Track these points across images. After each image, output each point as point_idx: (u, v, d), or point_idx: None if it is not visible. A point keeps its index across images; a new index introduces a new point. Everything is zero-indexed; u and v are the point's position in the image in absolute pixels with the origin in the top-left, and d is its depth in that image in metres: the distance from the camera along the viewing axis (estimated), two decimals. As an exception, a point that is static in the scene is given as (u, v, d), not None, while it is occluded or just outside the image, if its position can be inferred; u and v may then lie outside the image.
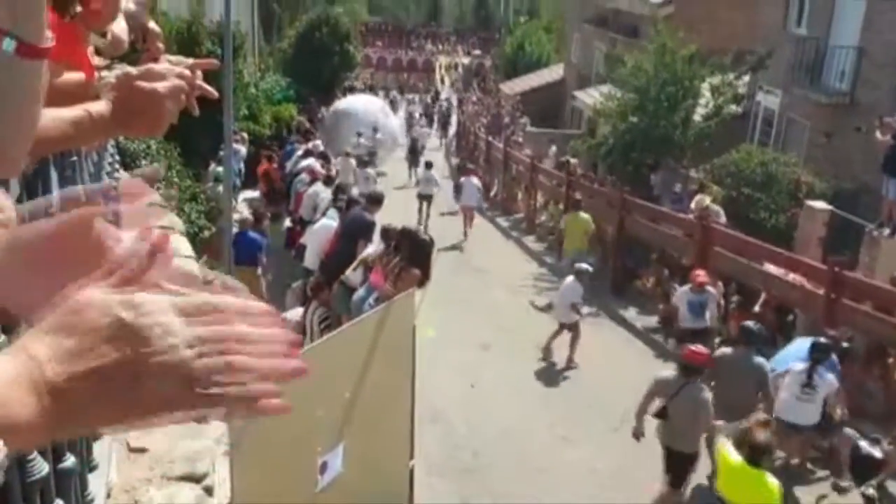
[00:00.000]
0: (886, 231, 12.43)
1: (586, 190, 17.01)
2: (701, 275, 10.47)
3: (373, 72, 49.72)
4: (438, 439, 8.18)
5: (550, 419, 9.22)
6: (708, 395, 7.04)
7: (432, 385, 8.27)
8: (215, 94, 1.67)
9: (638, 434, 7.21)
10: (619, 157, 18.46)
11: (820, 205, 13.84)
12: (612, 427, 8.48)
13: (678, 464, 7.05)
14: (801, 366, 7.69)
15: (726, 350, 8.18)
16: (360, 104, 25.19)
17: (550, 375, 10.35)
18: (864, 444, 7.43)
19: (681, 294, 10.51)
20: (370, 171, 18.78)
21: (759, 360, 7.84)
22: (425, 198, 18.07)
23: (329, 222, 9.81)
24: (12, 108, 0.95)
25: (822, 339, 7.98)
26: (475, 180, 18.09)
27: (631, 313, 12.66)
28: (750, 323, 8.43)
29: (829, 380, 7.69)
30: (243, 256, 10.91)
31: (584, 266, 10.99)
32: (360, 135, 22.32)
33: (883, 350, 9.28)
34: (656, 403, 7.10)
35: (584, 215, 14.61)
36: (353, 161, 18.31)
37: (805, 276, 10.63)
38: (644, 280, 13.83)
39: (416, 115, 37.42)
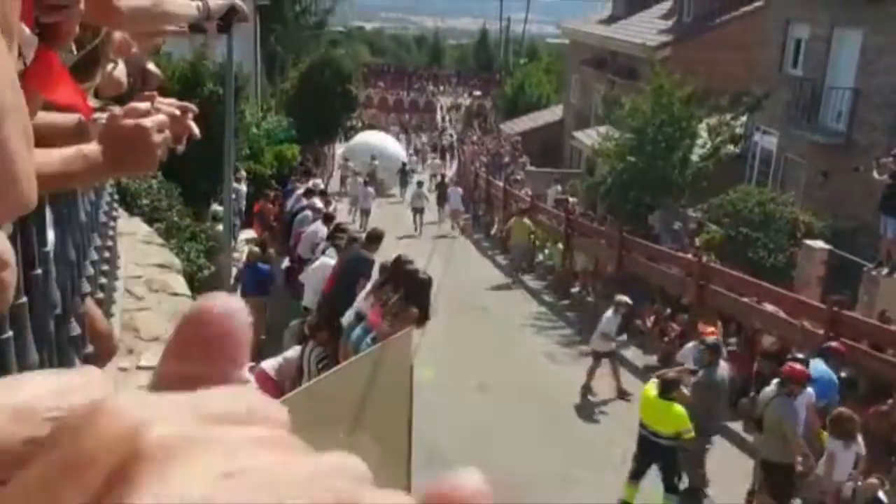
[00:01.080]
0: (885, 270, 12.45)
1: (585, 228, 17.09)
2: (709, 331, 10.34)
3: (374, 112, 50.13)
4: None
5: (551, 460, 9.14)
6: (794, 406, 7.28)
7: (430, 427, 8.22)
8: (198, 134, 1.69)
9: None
10: (618, 196, 18.55)
11: (818, 244, 13.89)
12: (614, 467, 8.41)
13: (775, 476, 7.29)
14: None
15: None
16: (374, 137, 32.54)
17: (550, 417, 10.28)
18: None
19: (687, 351, 10.02)
20: (370, 189, 23.14)
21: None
22: (418, 210, 22.44)
23: (327, 261, 9.83)
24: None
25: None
26: (459, 189, 23.50)
27: (631, 352, 12.61)
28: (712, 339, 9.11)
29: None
30: (251, 287, 11.66)
31: (624, 299, 11.02)
32: (373, 158, 27.98)
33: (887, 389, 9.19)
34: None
35: (527, 220, 17.96)
36: (360, 179, 23.85)
37: (804, 316, 10.62)
38: (644, 319, 13.81)
39: (427, 148, 41.36)
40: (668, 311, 13.28)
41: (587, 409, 10.27)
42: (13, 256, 1.09)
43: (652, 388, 7.73)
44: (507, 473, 8.64)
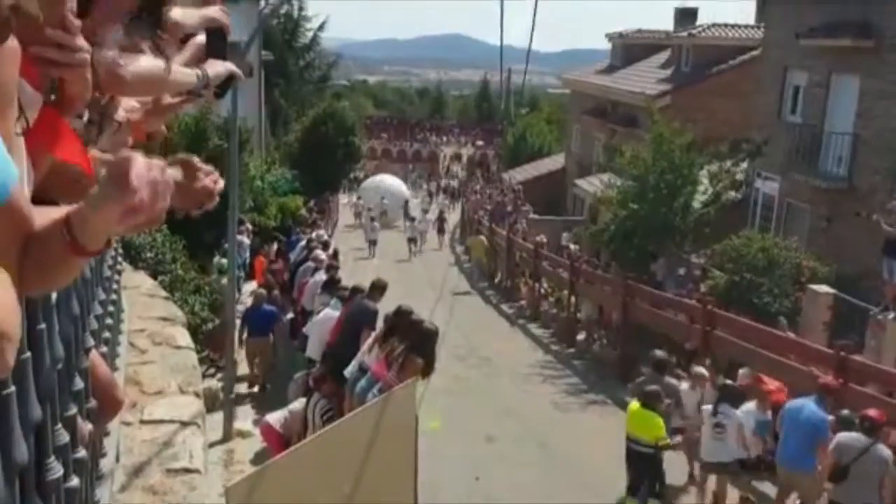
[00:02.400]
0: (891, 314, 12.39)
1: (589, 276, 17.08)
2: (773, 388, 9.70)
3: (378, 163, 50.57)
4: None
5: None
6: (890, 455, 7.37)
7: (435, 478, 8.12)
8: (221, 187, 1.73)
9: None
10: (621, 243, 18.58)
11: (823, 289, 13.84)
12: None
13: None
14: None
15: None
16: (383, 179, 39.32)
17: (557, 467, 10.15)
18: None
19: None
20: (376, 223, 28.89)
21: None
22: (412, 240, 29.25)
23: (332, 312, 9.82)
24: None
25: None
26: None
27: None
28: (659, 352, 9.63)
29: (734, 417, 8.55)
30: (256, 328, 12.16)
31: (700, 370, 9.90)
32: (383, 198, 34.81)
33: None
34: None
35: (481, 237, 23.67)
36: (370, 215, 29.83)
37: (812, 361, 10.55)
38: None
39: (434, 190, 45.66)
40: (675, 358, 13.18)
41: (596, 460, 10.12)
42: (19, 329, 1.11)
43: (635, 402, 8.56)
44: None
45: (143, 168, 1.18)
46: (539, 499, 9.24)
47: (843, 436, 7.67)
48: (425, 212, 35.35)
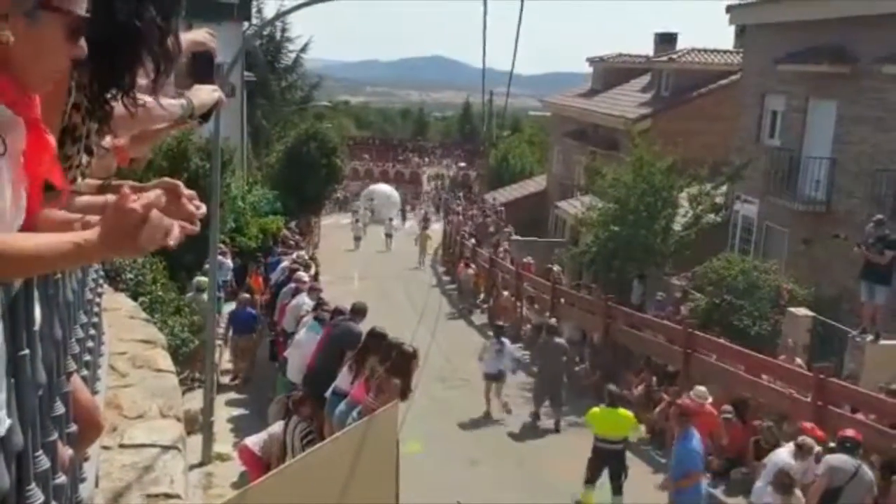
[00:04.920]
0: (869, 337, 12.51)
1: (571, 297, 17.14)
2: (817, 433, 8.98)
3: (360, 184, 50.61)
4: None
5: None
6: (873, 477, 7.69)
7: (418, 501, 8.07)
8: (203, 212, 1.73)
9: None
10: (602, 265, 18.68)
11: (802, 311, 13.97)
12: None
13: None
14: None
15: None
16: (380, 185, 45.00)
17: (539, 489, 10.12)
18: None
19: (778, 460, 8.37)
20: (360, 224, 36.12)
21: None
22: (389, 235, 35.62)
23: (313, 334, 9.77)
24: None
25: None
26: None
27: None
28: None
29: None
30: (241, 327, 13.91)
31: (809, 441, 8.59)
32: (372, 199, 40.74)
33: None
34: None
35: (429, 233, 30.81)
36: (357, 219, 36.87)
37: (791, 383, 10.63)
38: (633, 388, 13.73)
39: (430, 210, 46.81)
40: (655, 379, 13.22)
41: (578, 480, 10.09)
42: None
43: (597, 407, 9.51)
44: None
45: (146, 214, 1.24)
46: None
47: (833, 458, 7.72)
48: (404, 218, 42.29)
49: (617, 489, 9.31)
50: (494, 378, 13.09)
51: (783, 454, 8.37)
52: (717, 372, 11.84)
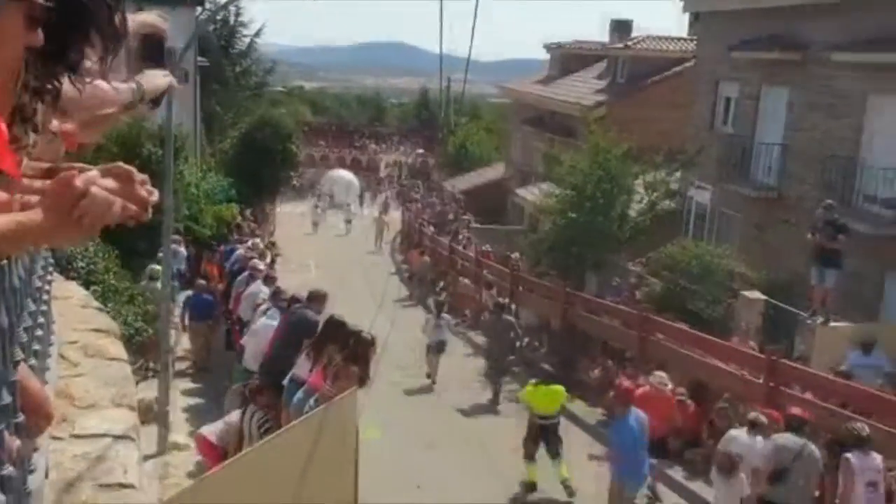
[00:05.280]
0: (820, 319, 12.78)
1: (529, 283, 17.24)
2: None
3: (316, 170, 50.16)
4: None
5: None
6: (820, 455, 7.79)
7: (377, 487, 8.06)
8: (156, 198, 1.68)
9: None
10: (561, 251, 18.81)
11: (755, 295, 14.23)
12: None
13: None
14: None
15: None
16: (340, 172, 45.13)
17: (498, 472, 10.18)
18: None
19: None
20: (319, 209, 36.36)
21: None
22: (348, 221, 35.81)
23: (270, 322, 9.68)
24: None
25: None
26: None
27: (578, 406, 12.61)
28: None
29: None
30: (198, 313, 13.77)
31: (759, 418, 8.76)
32: (331, 184, 41.85)
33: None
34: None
35: (386, 219, 31.93)
36: (315, 203, 37.47)
37: (744, 365, 10.83)
38: (591, 372, 13.88)
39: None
40: (610, 363, 13.37)
41: (539, 465, 10.17)
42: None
43: (530, 386, 10.14)
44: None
45: (86, 189, 1.16)
46: (483, 499, 9.30)
47: (780, 437, 7.88)
48: (362, 204, 42.24)
49: (555, 454, 9.75)
50: (436, 349, 14.33)
51: (738, 435, 8.51)
52: (672, 355, 12.01)
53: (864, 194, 14.99)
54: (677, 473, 9.81)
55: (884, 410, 8.91)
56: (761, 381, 10.04)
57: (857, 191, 15.12)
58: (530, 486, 9.80)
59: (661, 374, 10.27)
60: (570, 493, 9.54)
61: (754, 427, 8.37)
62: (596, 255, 18.34)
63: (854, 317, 13.26)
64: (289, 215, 36.52)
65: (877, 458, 7.63)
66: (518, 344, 14.34)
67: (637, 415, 8.42)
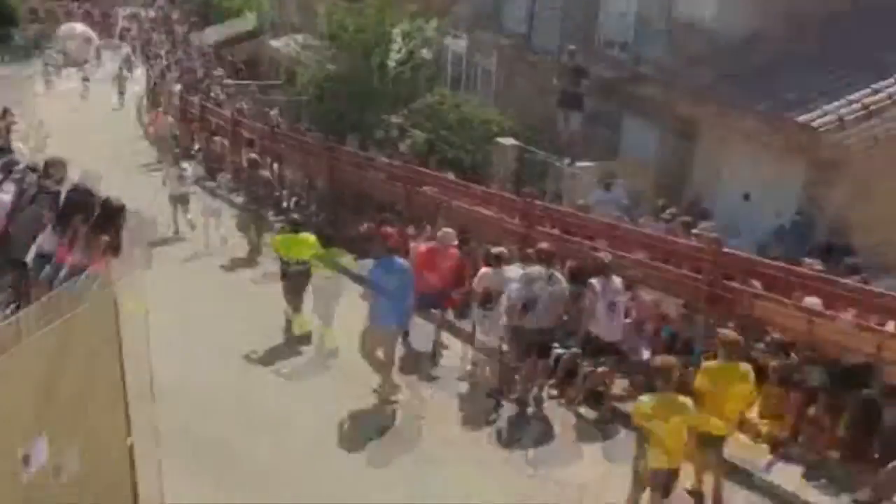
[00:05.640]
0: (567, 161, 13.69)
1: (291, 141, 16.79)
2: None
3: (44, 27, 44.73)
4: (167, 415, 7.79)
5: (277, 374, 9.21)
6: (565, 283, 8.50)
7: (152, 358, 7.81)
8: None
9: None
10: (322, 106, 18.42)
11: (509, 141, 14.89)
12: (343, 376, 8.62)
13: (542, 343, 8.42)
14: None
15: None
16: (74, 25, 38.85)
17: (272, 331, 10.20)
18: None
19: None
20: (52, 68, 33.79)
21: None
22: (86, 80, 31.42)
23: (3, 197, 8.70)
24: None
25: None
26: None
27: (348, 261, 12.67)
28: None
29: None
30: None
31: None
32: (64, 40, 36.01)
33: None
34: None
35: (127, 75, 30.99)
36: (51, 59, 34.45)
37: (503, 210, 11.38)
38: (360, 226, 13.94)
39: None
40: (381, 216, 13.50)
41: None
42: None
43: (279, 235, 10.55)
44: (237, 391, 8.55)
45: None
46: (258, 359, 9.36)
47: (529, 270, 8.51)
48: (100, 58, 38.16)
49: (302, 303, 10.10)
50: (178, 200, 14.48)
51: (489, 271, 9.09)
52: (438, 205, 12.32)
53: (605, 39, 15.85)
54: (448, 315, 10.27)
55: (620, 239, 9.82)
56: (518, 222, 10.63)
57: (598, 36, 15.93)
58: (302, 337, 9.98)
59: (448, 230, 10.33)
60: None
61: (499, 261, 8.97)
62: (357, 108, 18.15)
63: (597, 156, 14.32)
64: (11, 78, 32.52)
65: (617, 282, 8.50)
66: (284, 205, 14.16)
67: (399, 261, 8.58)
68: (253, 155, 15.26)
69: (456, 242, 10.22)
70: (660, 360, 6.39)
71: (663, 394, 6.08)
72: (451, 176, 13.20)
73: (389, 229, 11.02)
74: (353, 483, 7.17)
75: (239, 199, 15.99)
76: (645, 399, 6.14)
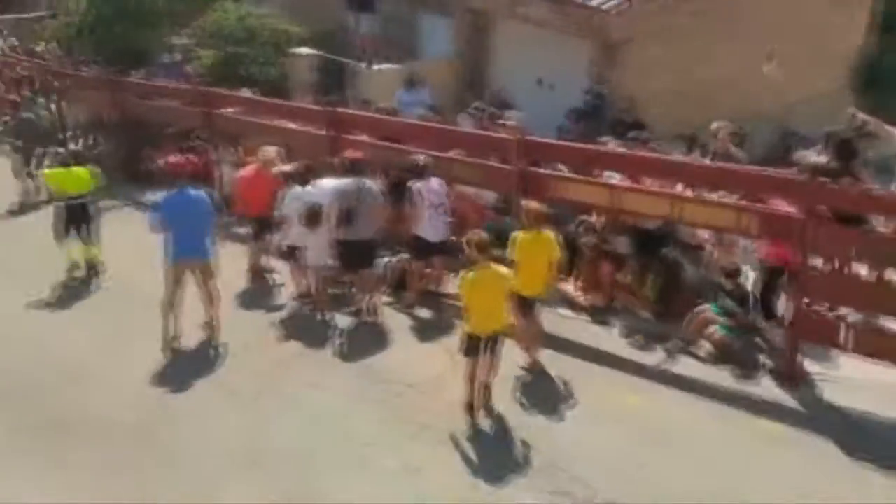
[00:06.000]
0: (364, 64, 13.51)
1: (71, 77, 15.42)
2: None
3: None
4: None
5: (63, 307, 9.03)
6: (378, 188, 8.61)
7: None
8: None
9: None
10: (98, 35, 16.96)
11: (305, 50, 14.48)
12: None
13: (367, 253, 8.53)
14: None
15: None
16: None
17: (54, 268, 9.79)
18: None
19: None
20: None
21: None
22: None
23: None
24: None
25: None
26: None
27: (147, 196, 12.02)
28: None
29: None
30: None
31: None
32: None
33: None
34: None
35: None
36: None
37: (309, 122, 11.14)
38: (157, 160, 13.22)
39: None
40: (182, 145, 12.83)
41: (128, 265, 9.74)
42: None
43: (47, 170, 10.35)
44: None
45: None
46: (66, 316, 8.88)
47: (340, 182, 8.44)
48: None
49: (87, 238, 9.88)
50: None
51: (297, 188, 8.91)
52: (242, 125, 11.86)
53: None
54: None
55: (429, 137, 9.92)
56: (324, 132, 10.44)
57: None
58: (74, 266, 9.87)
59: (269, 149, 9.90)
60: (99, 271, 9.88)
61: (303, 178, 8.71)
62: (136, 34, 16.87)
63: (397, 58, 14.24)
64: None
65: (436, 182, 8.64)
66: (73, 146, 13.18)
67: (193, 192, 8.13)
68: (26, 93, 14.05)
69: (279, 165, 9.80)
70: (474, 234, 6.79)
71: (482, 266, 6.60)
72: (247, 93, 12.66)
73: (191, 157, 10.57)
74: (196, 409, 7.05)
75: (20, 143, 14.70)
76: (467, 273, 6.67)
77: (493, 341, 6.70)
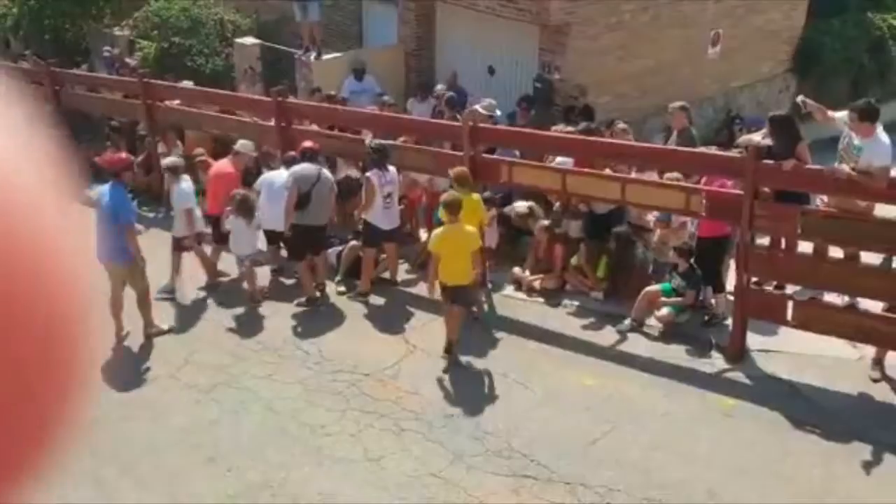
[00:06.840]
0: (313, 54, 13.39)
1: (9, 70, 14.98)
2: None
3: None
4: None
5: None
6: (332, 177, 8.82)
7: None
8: None
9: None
10: (33, 27, 16.49)
11: (249, 40, 14.28)
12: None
13: (318, 240, 8.65)
14: None
15: None
16: None
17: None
18: None
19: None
20: None
21: None
22: None
23: None
24: None
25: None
26: None
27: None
28: None
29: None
30: None
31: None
32: None
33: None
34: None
35: None
36: None
37: (255, 111, 11.02)
38: (103, 153, 12.90)
39: None
40: (125, 143, 12.56)
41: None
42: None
43: None
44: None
45: None
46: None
47: (297, 168, 8.47)
48: None
49: None
50: None
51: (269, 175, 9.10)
52: (185, 117, 11.66)
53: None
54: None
55: (381, 125, 9.90)
56: (273, 123, 10.33)
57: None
58: None
59: (246, 142, 9.62)
60: None
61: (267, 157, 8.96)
62: (75, 25, 16.46)
63: (342, 47, 14.13)
64: None
65: (392, 172, 8.64)
66: None
67: (105, 189, 7.69)
68: None
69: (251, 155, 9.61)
70: (447, 195, 7.42)
71: (451, 224, 7.22)
72: (190, 84, 12.43)
73: (122, 154, 10.19)
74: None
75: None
76: (438, 230, 7.38)
77: (457, 293, 7.23)
